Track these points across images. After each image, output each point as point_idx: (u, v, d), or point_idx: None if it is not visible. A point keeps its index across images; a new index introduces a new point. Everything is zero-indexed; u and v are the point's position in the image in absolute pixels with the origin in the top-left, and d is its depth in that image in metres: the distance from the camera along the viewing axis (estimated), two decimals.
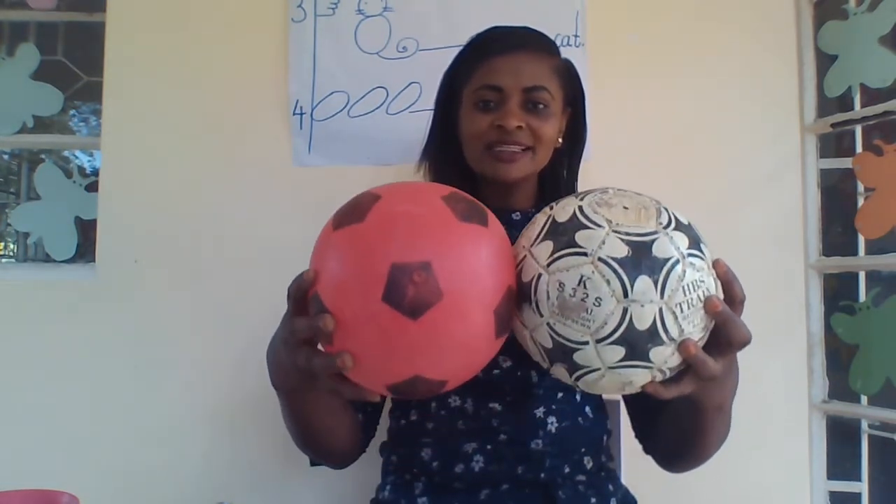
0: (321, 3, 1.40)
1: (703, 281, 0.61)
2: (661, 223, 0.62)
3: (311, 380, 0.66)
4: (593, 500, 0.93)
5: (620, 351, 0.59)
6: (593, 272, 0.59)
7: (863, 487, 1.40)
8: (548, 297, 0.61)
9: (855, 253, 1.43)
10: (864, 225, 1.38)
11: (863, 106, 1.39)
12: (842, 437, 1.59)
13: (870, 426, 1.43)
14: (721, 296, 0.63)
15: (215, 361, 1.37)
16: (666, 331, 0.59)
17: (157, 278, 1.38)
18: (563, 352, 0.62)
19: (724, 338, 0.63)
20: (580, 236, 0.61)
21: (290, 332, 0.64)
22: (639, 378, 0.62)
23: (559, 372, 0.65)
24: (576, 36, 1.39)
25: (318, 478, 1.34)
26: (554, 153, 0.98)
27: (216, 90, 1.41)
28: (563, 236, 0.62)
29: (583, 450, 0.94)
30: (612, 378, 0.62)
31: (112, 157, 1.41)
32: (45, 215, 1.47)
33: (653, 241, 0.60)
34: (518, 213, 0.99)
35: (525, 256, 0.65)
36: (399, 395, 0.64)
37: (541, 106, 0.92)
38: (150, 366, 1.36)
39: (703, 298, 0.61)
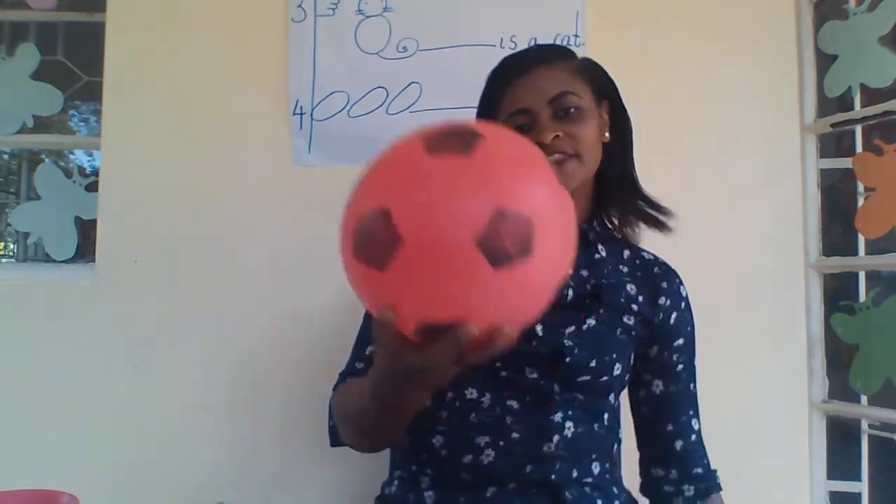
0: (321, 3, 1.40)
1: None
2: None
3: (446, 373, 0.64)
4: (599, 502, 0.92)
5: None
6: None
7: (863, 487, 1.39)
8: None
9: (855, 253, 1.43)
10: (864, 225, 1.38)
11: (863, 106, 1.39)
12: (842, 437, 1.59)
13: (870, 426, 1.42)
14: None
15: (215, 361, 1.37)
16: None
17: (157, 278, 1.38)
18: None
19: None
20: None
21: (426, 366, 0.61)
22: None
23: None
24: (576, 36, 1.39)
25: (320, 478, 1.34)
26: (605, 151, 0.99)
27: (216, 90, 1.41)
28: None
29: (594, 455, 0.94)
30: None
31: (112, 157, 1.41)
32: (45, 215, 1.47)
33: None
34: None
35: None
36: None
37: (572, 110, 0.93)
38: (150, 366, 1.36)
39: None
